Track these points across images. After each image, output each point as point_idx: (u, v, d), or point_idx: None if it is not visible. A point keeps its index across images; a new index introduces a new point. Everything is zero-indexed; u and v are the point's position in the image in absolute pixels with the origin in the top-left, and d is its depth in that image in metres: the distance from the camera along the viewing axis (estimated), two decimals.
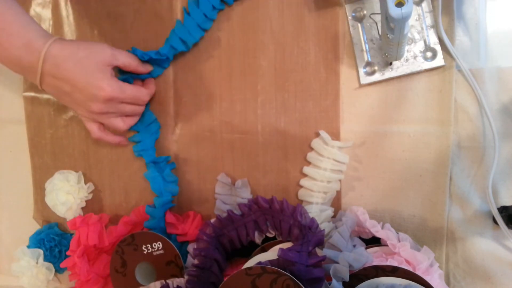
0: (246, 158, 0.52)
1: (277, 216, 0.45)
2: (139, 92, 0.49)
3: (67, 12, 0.57)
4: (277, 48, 0.50)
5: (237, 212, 0.48)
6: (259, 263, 0.40)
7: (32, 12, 0.59)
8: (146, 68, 0.51)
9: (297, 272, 0.38)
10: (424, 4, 0.44)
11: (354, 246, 0.44)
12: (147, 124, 0.54)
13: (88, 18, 0.56)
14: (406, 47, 0.45)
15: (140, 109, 0.51)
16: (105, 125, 0.50)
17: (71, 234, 0.60)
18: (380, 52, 0.46)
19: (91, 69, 0.44)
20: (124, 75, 0.51)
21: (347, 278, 0.39)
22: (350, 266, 0.40)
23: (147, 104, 0.54)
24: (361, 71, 0.47)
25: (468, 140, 0.45)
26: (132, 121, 0.51)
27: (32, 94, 0.60)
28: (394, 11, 0.32)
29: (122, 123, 0.49)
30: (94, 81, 0.44)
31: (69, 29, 0.57)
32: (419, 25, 0.45)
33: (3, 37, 0.41)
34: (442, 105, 0.45)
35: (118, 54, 0.47)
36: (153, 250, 0.51)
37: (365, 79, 0.47)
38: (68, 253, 0.53)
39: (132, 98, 0.48)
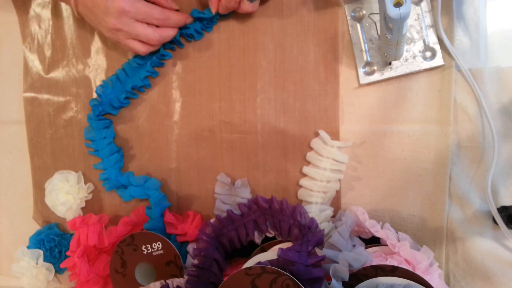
0: (245, 158, 0.52)
1: (277, 216, 0.45)
2: (152, 9, 0.47)
3: (67, 12, 0.58)
4: (276, 48, 0.50)
5: (237, 212, 0.48)
6: (259, 263, 0.40)
7: (32, 12, 0.59)
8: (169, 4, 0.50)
9: (296, 272, 0.38)
10: (423, 4, 0.44)
11: (354, 245, 0.44)
12: (109, 154, 0.55)
13: None
14: (405, 47, 0.45)
15: (159, 32, 0.49)
16: (127, 49, 0.51)
17: (71, 235, 0.60)
18: (379, 52, 0.46)
19: None
20: (143, 60, 0.53)
21: (346, 278, 0.39)
22: (350, 265, 0.40)
23: (112, 136, 0.55)
24: (361, 71, 0.47)
25: (467, 140, 0.45)
26: (155, 40, 0.49)
27: (32, 94, 0.60)
28: (392, 11, 0.32)
29: (140, 46, 0.49)
30: None
31: (69, 29, 0.58)
32: (418, 25, 0.45)
33: None
34: (441, 105, 0.45)
35: None
36: (152, 250, 0.51)
37: (364, 79, 0.47)
38: (68, 253, 0.53)
39: (144, 14, 0.47)
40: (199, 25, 0.51)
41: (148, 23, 0.48)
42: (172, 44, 0.53)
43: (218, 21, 0.51)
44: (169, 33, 0.50)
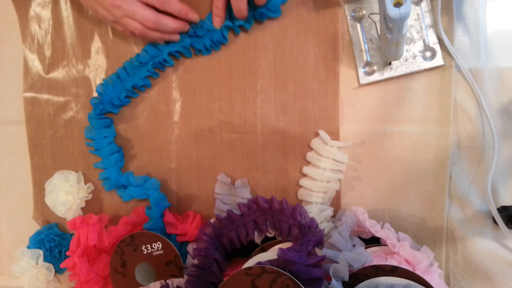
0: (245, 158, 0.52)
1: (277, 216, 0.45)
2: None
3: (67, 12, 0.58)
4: (276, 48, 0.50)
5: (237, 212, 0.48)
6: (259, 263, 0.40)
7: (32, 12, 0.59)
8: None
9: (296, 272, 0.38)
10: (423, 4, 0.44)
11: (354, 245, 0.44)
12: (109, 154, 0.55)
13: (87, 19, 0.56)
14: (405, 47, 0.45)
15: (158, 15, 0.48)
16: (122, 30, 0.50)
17: (71, 235, 0.60)
18: (379, 52, 0.46)
19: None
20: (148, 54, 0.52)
21: (346, 278, 0.39)
22: (350, 265, 0.40)
23: (113, 135, 0.55)
24: (361, 71, 0.47)
25: (467, 140, 0.45)
26: (152, 22, 0.47)
27: (32, 94, 0.60)
28: (392, 11, 0.32)
29: (137, 24, 0.48)
30: None
31: (69, 29, 0.58)
32: (418, 25, 0.45)
33: None
34: (441, 105, 0.45)
35: None
36: (152, 250, 0.51)
37: (364, 79, 0.47)
38: (68, 253, 0.53)
39: None
40: (209, 42, 0.50)
41: (148, 6, 0.47)
42: (177, 53, 0.52)
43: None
44: (168, 22, 0.49)
